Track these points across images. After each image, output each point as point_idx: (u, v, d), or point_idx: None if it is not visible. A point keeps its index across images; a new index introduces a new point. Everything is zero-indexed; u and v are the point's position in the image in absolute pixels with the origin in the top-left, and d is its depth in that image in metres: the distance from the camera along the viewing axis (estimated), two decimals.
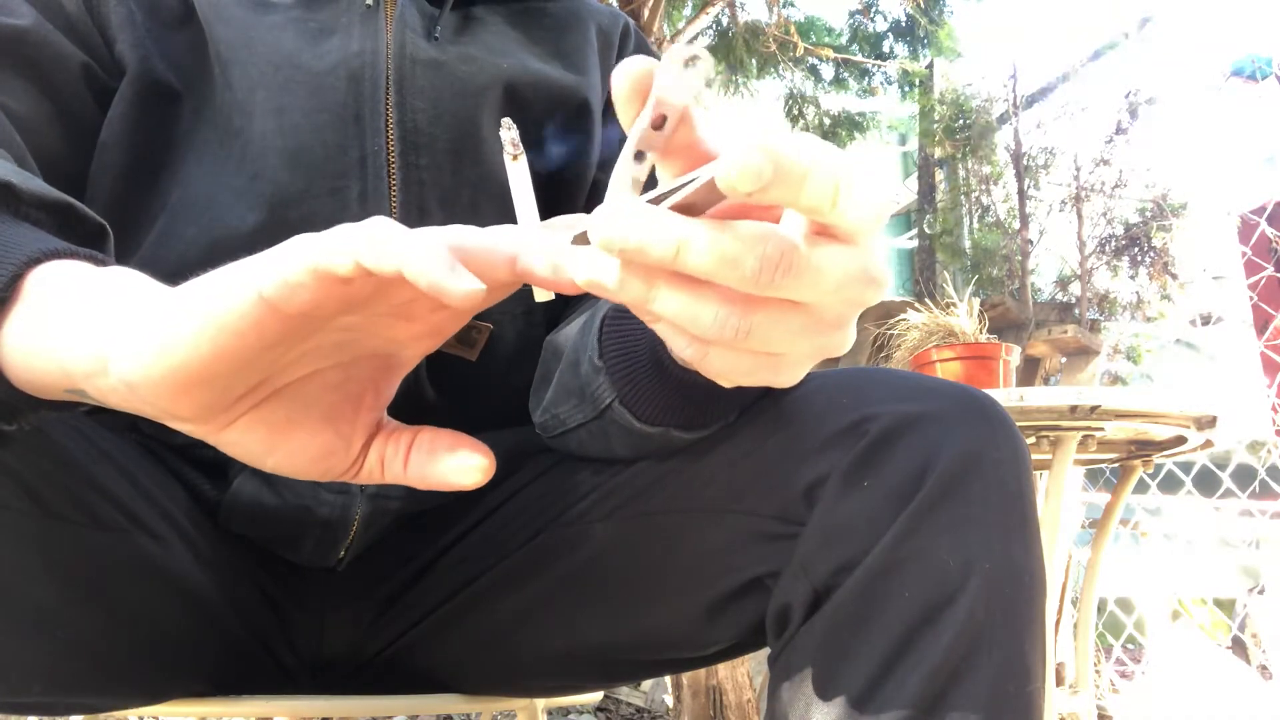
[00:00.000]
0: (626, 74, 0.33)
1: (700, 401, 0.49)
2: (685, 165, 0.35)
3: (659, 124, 0.33)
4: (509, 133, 0.44)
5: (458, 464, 0.39)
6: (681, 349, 0.34)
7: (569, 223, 0.36)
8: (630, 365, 0.49)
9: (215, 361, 0.32)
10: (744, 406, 0.52)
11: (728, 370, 0.35)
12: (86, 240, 0.43)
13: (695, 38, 3.39)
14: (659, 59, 0.89)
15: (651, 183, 0.35)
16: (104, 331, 0.34)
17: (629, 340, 0.49)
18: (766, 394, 0.53)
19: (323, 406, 0.38)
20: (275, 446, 0.37)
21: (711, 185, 0.29)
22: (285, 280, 0.31)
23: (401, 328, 0.37)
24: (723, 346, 0.33)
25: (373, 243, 0.30)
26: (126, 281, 0.37)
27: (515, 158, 0.44)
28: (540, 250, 0.33)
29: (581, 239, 0.33)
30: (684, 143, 0.34)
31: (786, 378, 0.36)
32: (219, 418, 0.35)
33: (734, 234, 0.29)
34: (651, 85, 0.33)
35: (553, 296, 0.41)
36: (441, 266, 0.30)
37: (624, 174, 0.33)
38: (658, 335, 0.45)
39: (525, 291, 0.67)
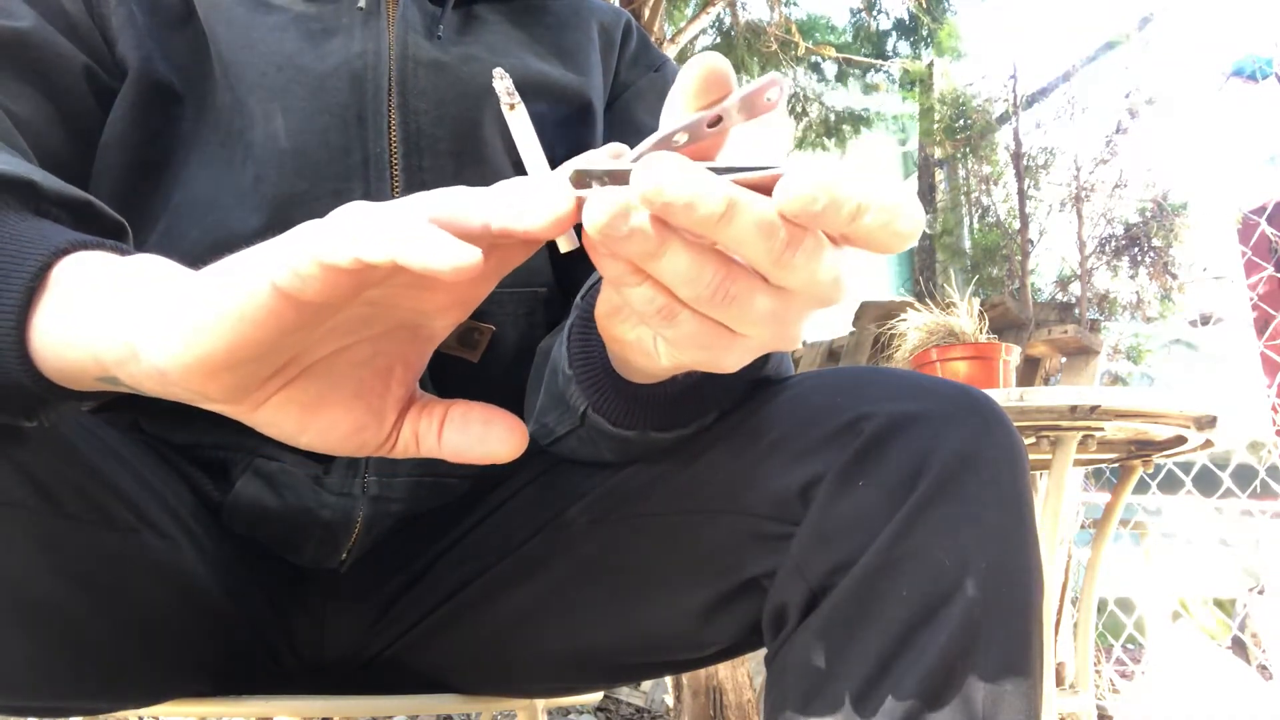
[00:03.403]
0: (707, 67, 0.34)
1: (669, 403, 0.50)
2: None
3: (714, 123, 0.34)
4: (502, 82, 0.45)
5: (492, 437, 0.39)
6: (654, 310, 0.35)
7: (582, 164, 0.37)
8: (595, 372, 0.49)
9: (238, 350, 0.32)
10: (721, 407, 0.52)
11: (686, 340, 0.36)
12: (106, 237, 0.44)
13: (696, 37, 3.39)
14: (659, 57, 0.89)
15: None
16: (132, 319, 0.34)
17: (591, 348, 0.49)
18: (755, 394, 0.53)
19: (353, 382, 0.38)
20: (308, 424, 0.38)
21: (760, 183, 0.31)
22: (296, 272, 0.31)
23: (426, 298, 0.37)
24: (697, 310, 0.34)
25: (365, 236, 0.30)
26: (151, 268, 0.37)
27: (512, 107, 0.44)
28: (533, 200, 0.33)
29: (578, 181, 0.33)
30: (716, 146, 0.36)
31: (731, 362, 0.37)
32: (250, 398, 0.36)
33: (771, 207, 0.31)
34: (723, 85, 0.34)
35: (577, 244, 0.41)
36: (432, 248, 0.30)
37: (656, 141, 0.34)
38: (606, 333, 0.45)
39: (527, 292, 0.67)
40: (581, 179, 0.34)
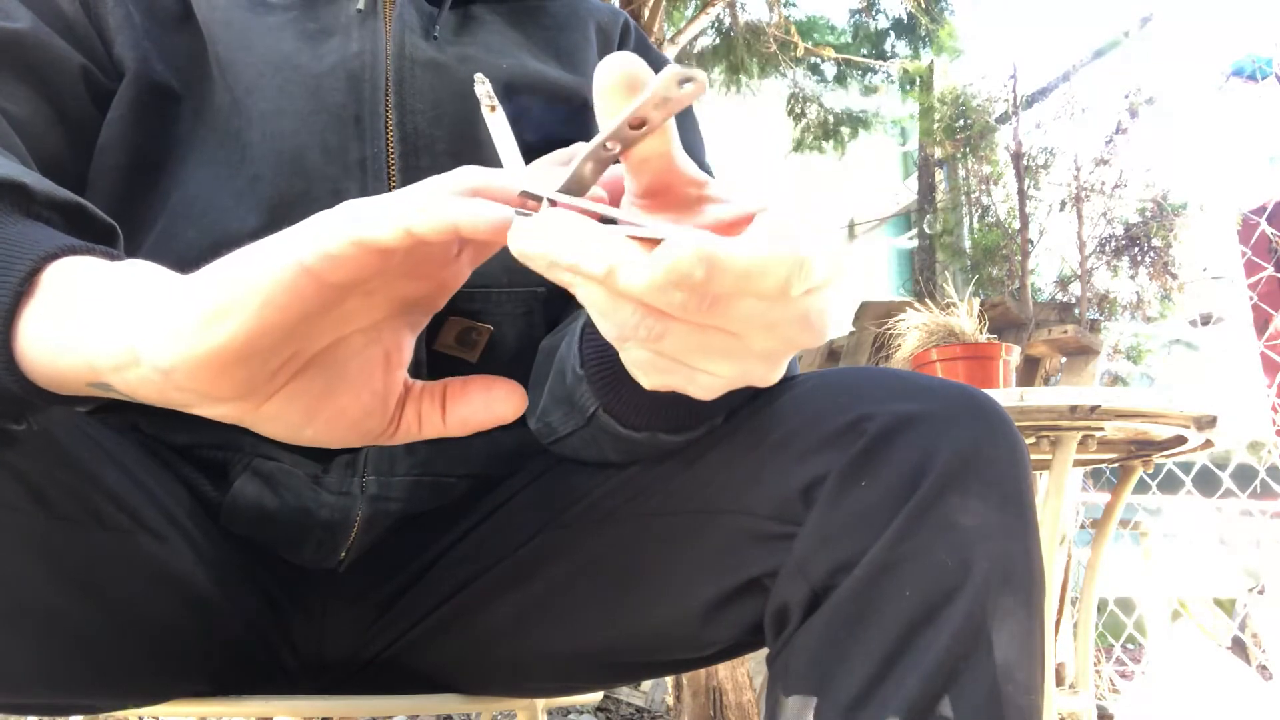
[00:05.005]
0: (617, 68, 0.33)
1: (680, 405, 0.49)
2: (653, 174, 0.36)
3: (637, 125, 0.33)
4: (483, 86, 0.45)
5: (496, 401, 0.40)
6: (605, 332, 0.34)
7: (558, 160, 0.38)
8: (609, 373, 0.49)
9: (258, 335, 0.32)
10: (731, 409, 0.52)
11: (641, 365, 0.35)
12: (97, 240, 0.43)
13: (696, 37, 3.39)
14: (659, 58, 0.89)
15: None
16: (130, 322, 0.34)
17: (607, 348, 0.49)
18: (758, 395, 0.53)
19: (355, 370, 0.39)
20: (314, 416, 0.38)
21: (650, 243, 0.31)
22: (327, 253, 0.31)
23: (414, 286, 0.38)
24: (636, 345, 0.34)
25: (419, 209, 0.31)
26: (145, 273, 0.37)
27: (493, 109, 0.45)
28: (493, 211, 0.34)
29: (521, 202, 0.34)
30: (658, 151, 0.35)
31: (697, 391, 0.36)
32: (257, 393, 0.36)
33: (667, 266, 0.29)
34: (638, 85, 0.33)
35: None
36: (490, 208, 0.32)
37: (587, 154, 0.34)
38: None
39: (525, 292, 0.67)
40: (525, 200, 0.35)
